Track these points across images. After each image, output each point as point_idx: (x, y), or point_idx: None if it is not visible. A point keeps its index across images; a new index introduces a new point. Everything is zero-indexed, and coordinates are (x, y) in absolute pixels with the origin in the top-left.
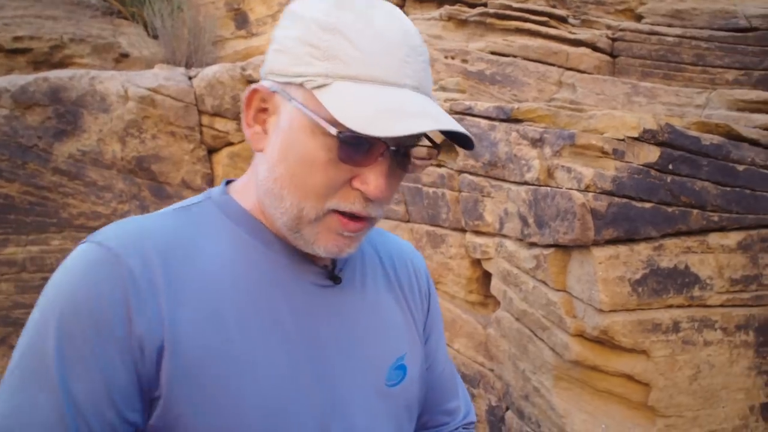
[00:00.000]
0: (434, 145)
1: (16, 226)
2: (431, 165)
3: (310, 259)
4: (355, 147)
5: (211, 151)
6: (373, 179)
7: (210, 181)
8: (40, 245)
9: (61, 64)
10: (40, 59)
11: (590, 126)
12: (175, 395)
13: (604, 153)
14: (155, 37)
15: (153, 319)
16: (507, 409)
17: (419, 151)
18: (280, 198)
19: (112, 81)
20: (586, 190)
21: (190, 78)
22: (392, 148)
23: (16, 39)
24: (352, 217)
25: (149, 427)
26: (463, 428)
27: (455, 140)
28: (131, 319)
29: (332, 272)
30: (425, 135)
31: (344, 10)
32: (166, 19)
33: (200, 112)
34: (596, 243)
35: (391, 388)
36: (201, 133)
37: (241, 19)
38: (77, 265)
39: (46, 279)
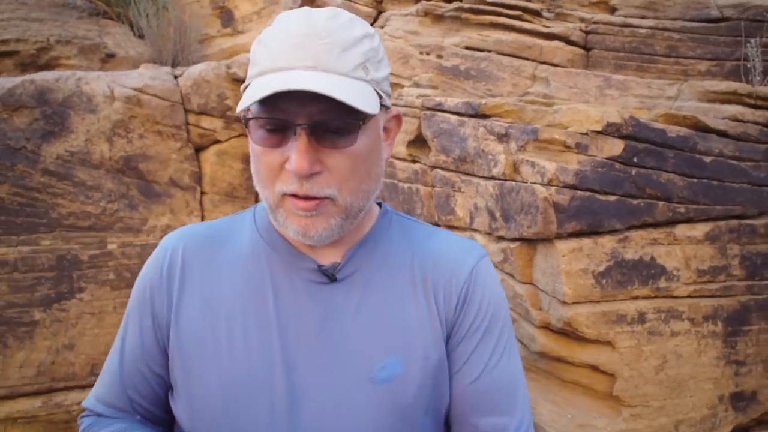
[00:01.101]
0: (348, 123)
1: (6, 227)
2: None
3: (310, 258)
4: (262, 129)
5: (199, 149)
6: (292, 157)
7: (198, 179)
8: (31, 245)
9: (48, 66)
10: (27, 61)
11: (555, 120)
12: (174, 361)
13: (567, 147)
14: (141, 36)
15: (165, 301)
16: None
17: (337, 128)
18: (259, 193)
19: (98, 81)
20: (549, 184)
21: (175, 77)
22: (299, 125)
23: (3, 42)
24: (299, 196)
25: (171, 381)
26: None
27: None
28: (153, 299)
29: (329, 271)
30: (352, 116)
31: (273, 23)
32: (152, 19)
33: (186, 111)
34: (559, 236)
35: (377, 385)
36: (188, 131)
37: (226, 17)
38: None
39: (37, 278)
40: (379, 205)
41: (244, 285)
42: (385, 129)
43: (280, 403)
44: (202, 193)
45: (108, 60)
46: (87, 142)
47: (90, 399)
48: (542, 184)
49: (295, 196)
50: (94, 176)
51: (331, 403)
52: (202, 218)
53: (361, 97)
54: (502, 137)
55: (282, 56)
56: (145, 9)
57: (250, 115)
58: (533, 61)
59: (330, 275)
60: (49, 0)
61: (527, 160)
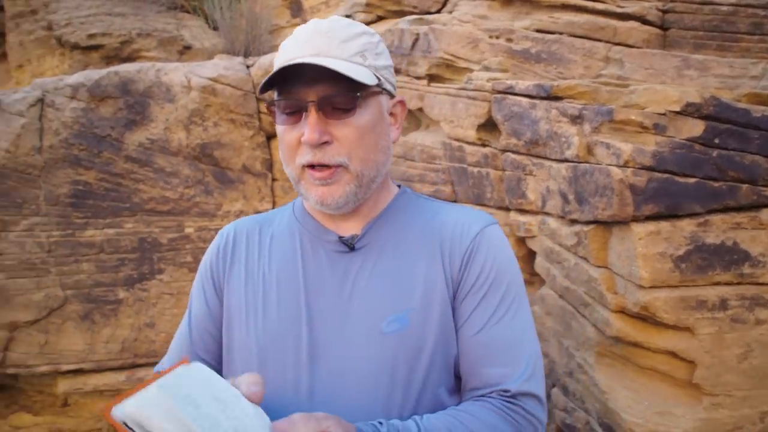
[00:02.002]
0: (345, 94)
1: (94, 211)
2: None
3: (333, 231)
4: (283, 114)
5: (270, 137)
6: (305, 130)
7: (269, 166)
8: (116, 228)
9: (130, 58)
10: (111, 54)
11: (631, 101)
12: (224, 322)
13: (644, 128)
14: (215, 28)
15: (221, 273)
16: (553, 385)
17: (339, 101)
18: (286, 172)
19: (176, 72)
20: (625, 165)
21: (247, 67)
22: (309, 102)
23: (90, 36)
24: (315, 167)
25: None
26: (498, 395)
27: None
28: (213, 273)
29: (348, 241)
30: (351, 90)
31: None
32: (225, 11)
33: (258, 100)
34: (636, 219)
35: (386, 335)
36: (259, 119)
37: (295, 8)
38: None
39: (122, 260)
40: (399, 187)
41: (280, 258)
42: (392, 114)
43: (303, 354)
44: (274, 179)
45: (185, 52)
46: (166, 130)
47: (162, 363)
48: (618, 166)
49: (311, 167)
50: (172, 163)
51: (346, 353)
52: (274, 204)
53: (355, 71)
54: (576, 119)
55: (291, 51)
56: (219, 1)
57: (273, 102)
58: (606, 42)
59: (349, 245)
60: None
61: (602, 142)
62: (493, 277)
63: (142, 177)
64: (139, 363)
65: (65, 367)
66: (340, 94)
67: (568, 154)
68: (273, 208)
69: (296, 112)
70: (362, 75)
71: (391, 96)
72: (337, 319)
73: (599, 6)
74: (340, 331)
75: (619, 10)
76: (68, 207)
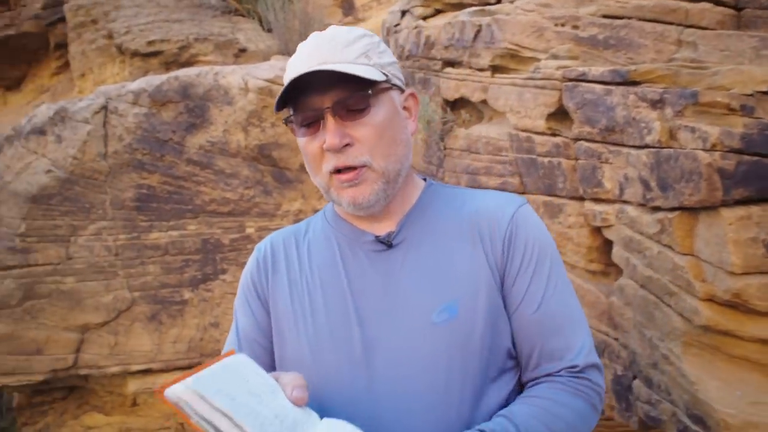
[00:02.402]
0: (357, 95)
1: (158, 214)
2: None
3: (369, 232)
4: (302, 127)
5: None
6: (326, 137)
7: None
8: (179, 230)
9: (188, 63)
10: (170, 59)
11: (714, 83)
12: (274, 331)
13: (731, 110)
14: (269, 30)
15: (264, 286)
16: (634, 377)
17: (352, 103)
18: (315, 183)
19: (233, 75)
20: (713, 149)
21: None
22: (324, 109)
23: (149, 43)
24: (341, 171)
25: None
26: (567, 373)
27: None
28: (255, 286)
29: (385, 239)
30: (362, 90)
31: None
32: (278, 12)
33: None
34: (725, 204)
35: (437, 326)
36: None
37: (347, 6)
38: None
39: (186, 261)
40: (425, 180)
41: (321, 263)
42: (405, 108)
43: (357, 351)
44: None
45: (240, 54)
46: (225, 132)
47: None
48: (704, 150)
49: (338, 172)
50: (232, 164)
51: (399, 345)
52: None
53: (362, 71)
54: (656, 103)
55: (298, 66)
56: (272, 3)
57: (290, 118)
58: (678, 25)
59: (387, 243)
60: (187, 1)
61: (686, 126)
62: (537, 254)
63: (203, 179)
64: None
65: (135, 368)
66: (352, 95)
67: (649, 139)
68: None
69: (313, 123)
70: (370, 73)
71: (401, 91)
72: (386, 316)
73: None
74: (391, 326)
75: None
76: (133, 210)
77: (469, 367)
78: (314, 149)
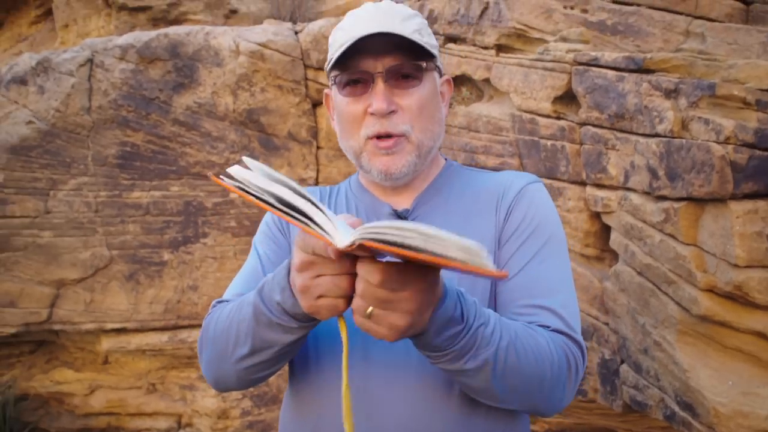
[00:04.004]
0: (412, 65)
1: (141, 173)
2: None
3: (387, 204)
4: (347, 86)
5: (315, 104)
6: (374, 100)
7: (314, 134)
8: (162, 191)
9: (177, 21)
10: (158, 16)
11: (730, 76)
12: None
13: (746, 104)
14: None
15: (284, 225)
16: (622, 362)
17: (406, 71)
18: (344, 148)
19: (224, 36)
20: (726, 142)
21: (296, 33)
22: (377, 73)
23: None
24: (380, 137)
25: None
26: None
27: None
28: (277, 224)
29: (401, 215)
30: (416, 61)
31: (344, 18)
32: None
33: (305, 66)
34: (734, 197)
35: None
36: (306, 87)
37: None
38: None
39: (167, 222)
40: (446, 160)
41: None
42: (440, 93)
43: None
44: (318, 147)
45: (231, 16)
46: (213, 94)
47: (223, 297)
48: (717, 142)
49: (377, 137)
50: (219, 127)
51: None
52: (317, 172)
53: (420, 41)
54: (671, 93)
55: (357, 29)
56: None
57: (337, 76)
58: (687, 15)
59: (403, 217)
60: None
61: (699, 117)
62: (534, 226)
63: (188, 140)
64: (181, 324)
65: (109, 326)
66: (405, 65)
67: (660, 128)
68: (317, 176)
69: (361, 85)
70: (426, 44)
71: (440, 75)
72: None
73: None
74: None
75: None
76: (116, 168)
77: None
78: (356, 111)
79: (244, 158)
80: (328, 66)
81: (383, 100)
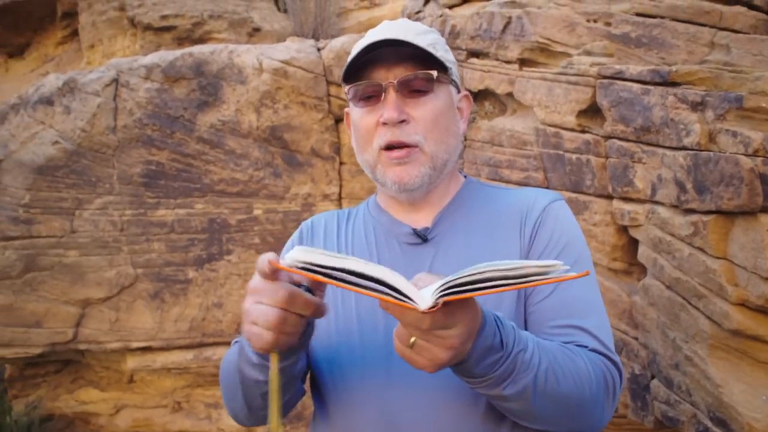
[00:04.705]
0: (423, 74)
1: (165, 191)
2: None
3: (406, 224)
4: (361, 99)
5: (338, 120)
6: (385, 109)
7: (337, 150)
8: (186, 208)
9: (201, 40)
10: (183, 35)
11: (757, 88)
12: None
13: None
14: (284, 11)
15: None
16: (652, 377)
17: (417, 82)
18: (361, 162)
19: (248, 54)
20: (755, 154)
21: (318, 50)
22: (389, 83)
23: (163, 17)
24: (393, 147)
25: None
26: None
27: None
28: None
29: (422, 233)
30: (424, 70)
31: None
32: None
33: (328, 83)
34: (764, 209)
35: None
36: (329, 103)
37: None
38: None
39: (192, 240)
40: (465, 177)
41: (357, 248)
42: (459, 109)
43: (380, 338)
44: (341, 163)
45: (254, 34)
46: (237, 112)
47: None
48: (746, 155)
49: (389, 148)
50: (242, 145)
51: None
52: (341, 188)
53: (432, 52)
54: (697, 105)
55: (371, 38)
56: None
57: (351, 88)
58: (711, 27)
59: (422, 236)
60: None
61: (727, 130)
62: (563, 245)
63: (212, 158)
64: (206, 342)
65: (135, 345)
66: (417, 76)
67: (687, 141)
68: (340, 191)
69: (374, 97)
70: (439, 57)
71: (458, 91)
72: None
73: None
74: None
75: None
76: (141, 186)
77: None
78: (369, 123)
79: (298, 247)
80: (342, 79)
81: (394, 109)
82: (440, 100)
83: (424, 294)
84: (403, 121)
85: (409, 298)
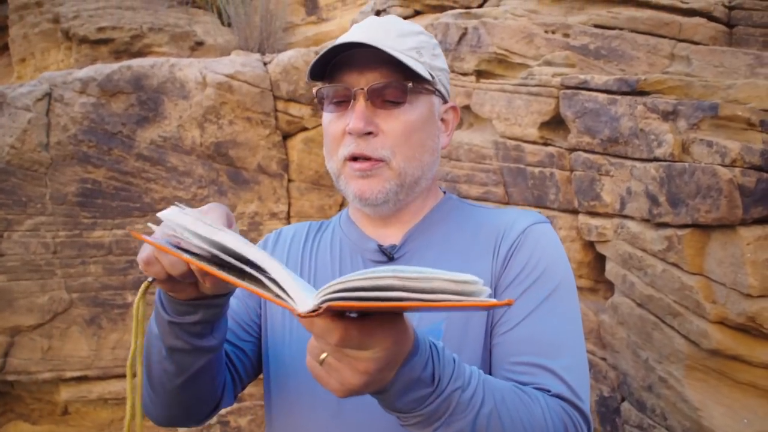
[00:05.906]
0: (396, 83)
1: (103, 211)
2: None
3: (374, 240)
4: (331, 103)
5: (286, 136)
6: (351, 119)
7: (285, 167)
8: (125, 229)
9: (141, 53)
10: (121, 49)
11: (729, 96)
12: (262, 310)
13: (750, 125)
14: (228, 24)
15: None
16: (623, 400)
17: (389, 92)
18: (328, 168)
19: (190, 68)
20: (732, 165)
21: (265, 64)
22: (358, 89)
23: (100, 30)
24: (357, 159)
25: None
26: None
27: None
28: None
29: (388, 251)
30: (402, 82)
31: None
32: (239, 7)
33: (275, 98)
34: (743, 222)
35: None
36: (276, 118)
37: (311, 5)
38: None
39: (130, 262)
40: (444, 193)
41: (320, 263)
42: (443, 120)
43: None
44: (290, 180)
45: (197, 48)
46: (179, 127)
47: None
48: (723, 165)
49: (353, 159)
50: (185, 162)
51: None
52: (289, 206)
53: (408, 60)
54: (669, 115)
55: (346, 36)
56: None
57: (320, 89)
58: (671, 38)
59: (388, 254)
60: None
61: (702, 140)
62: (540, 271)
63: (153, 176)
64: None
65: (69, 374)
66: (390, 84)
67: (659, 152)
68: (289, 210)
69: (344, 102)
70: (416, 67)
71: (444, 101)
72: None
73: (663, 1)
74: None
75: (683, 5)
76: (75, 206)
77: None
78: (336, 129)
79: (176, 203)
80: (308, 76)
81: (360, 119)
82: (416, 113)
83: (309, 295)
84: (369, 133)
85: (288, 296)
